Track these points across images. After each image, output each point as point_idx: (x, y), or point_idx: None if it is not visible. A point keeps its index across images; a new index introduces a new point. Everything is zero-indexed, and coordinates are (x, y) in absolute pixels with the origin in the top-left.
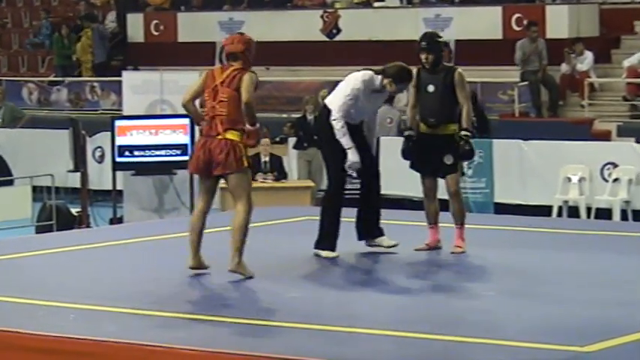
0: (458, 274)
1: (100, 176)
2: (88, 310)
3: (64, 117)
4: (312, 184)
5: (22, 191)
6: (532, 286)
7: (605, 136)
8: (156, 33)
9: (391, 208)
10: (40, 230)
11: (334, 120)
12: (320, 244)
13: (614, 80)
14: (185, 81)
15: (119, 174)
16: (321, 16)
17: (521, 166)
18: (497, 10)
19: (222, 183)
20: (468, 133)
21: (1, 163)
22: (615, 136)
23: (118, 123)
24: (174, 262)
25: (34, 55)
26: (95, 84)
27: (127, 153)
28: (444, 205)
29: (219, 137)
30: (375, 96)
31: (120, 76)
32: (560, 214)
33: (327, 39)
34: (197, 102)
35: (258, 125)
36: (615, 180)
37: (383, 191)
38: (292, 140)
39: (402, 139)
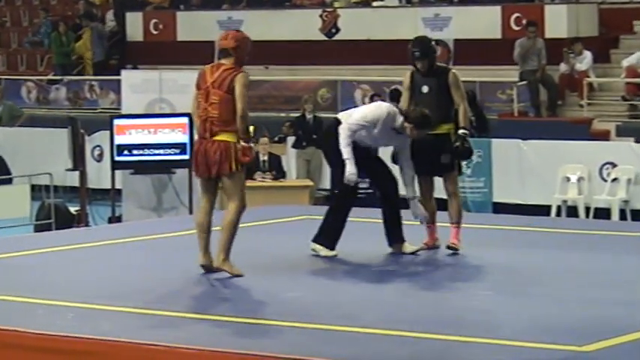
0: (456, 274)
1: (99, 175)
2: (86, 309)
3: (62, 116)
4: (310, 183)
5: (20, 190)
6: (531, 286)
7: (604, 136)
8: (155, 32)
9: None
10: (38, 229)
11: (342, 129)
12: (318, 239)
13: (613, 80)
14: (184, 80)
15: (118, 173)
16: (320, 16)
17: (520, 166)
18: (496, 10)
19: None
20: (466, 132)
21: (0, 162)
22: (614, 136)
23: (117, 122)
24: (172, 261)
25: (32, 54)
26: (94, 83)
27: (125, 152)
28: (441, 205)
29: (213, 139)
30: (393, 134)
31: (119, 75)
32: (558, 214)
33: (326, 38)
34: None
35: (251, 144)
36: (614, 180)
37: None
38: (291, 139)
39: None
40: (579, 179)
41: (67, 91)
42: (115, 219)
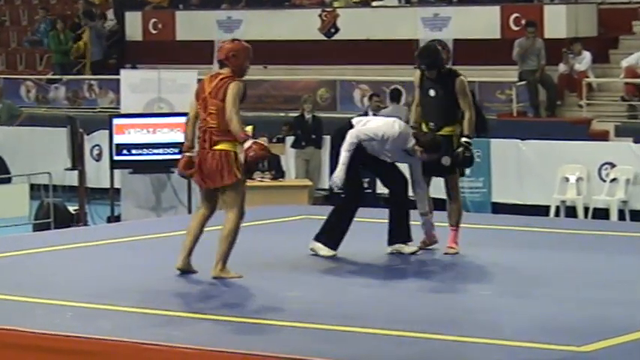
0: (455, 274)
1: (98, 174)
2: (85, 309)
3: (61, 115)
4: (309, 183)
5: (19, 189)
6: (529, 286)
7: (602, 136)
8: (154, 31)
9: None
10: (37, 228)
11: (350, 134)
12: (320, 238)
13: (612, 80)
14: (183, 79)
15: (117, 172)
16: (320, 15)
17: (519, 166)
18: (495, 10)
19: None
20: (470, 140)
21: None
22: (613, 136)
23: (116, 121)
24: (171, 260)
25: (32, 53)
26: (93, 82)
27: (124, 151)
28: (441, 205)
29: (213, 149)
30: (404, 154)
31: (118, 74)
32: (557, 214)
33: (326, 38)
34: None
35: (250, 144)
36: (613, 180)
37: (380, 190)
38: (290, 139)
39: None
40: (578, 179)
41: (66, 90)
42: (113, 218)
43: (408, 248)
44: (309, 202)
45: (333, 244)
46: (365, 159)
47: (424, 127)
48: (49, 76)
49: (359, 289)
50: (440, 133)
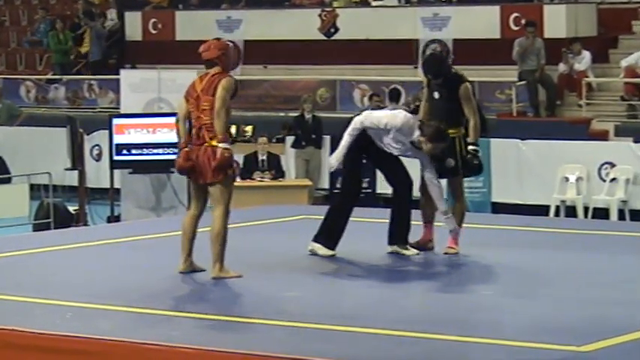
0: (455, 274)
1: (98, 174)
2: (85, 308)
3: (61, 115)
4: (309, 182)
5: (19, 189)
6: (529, 286)
7: (602, 136)
8: (154, 31)
9: (389, 207)
10: (37, 228)
11: (354, 120)
12: (318, 238)
13: (612, 80)
14: (183, 79)
15: (117, 172)
16: (319, 15)
17: (519, 166)
18: (495, 10)
19: None
20: (477, 148)
21: None
22: (613, 136)
23: (116, 121)
24: (171, 260)
25: (31, 53)
26: (93, 82)
27: (124, 151)
28: None
29: (205, 145)
30: (410, 146)
31: (118, 74)
32: (557, 214)
33: (325, 38)
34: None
35: (228, 146)
36: (613, 180)
37: (380, 190)
38: (290, 139)
39: None
40: (578, 179)
41: (66, 90)
42: (113, 218)
43: (407, 251)
44: (309, 202)
45: (332, 244)
46: (372, 152)
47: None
48: (49, 76)
49: (359, 289)
50: None
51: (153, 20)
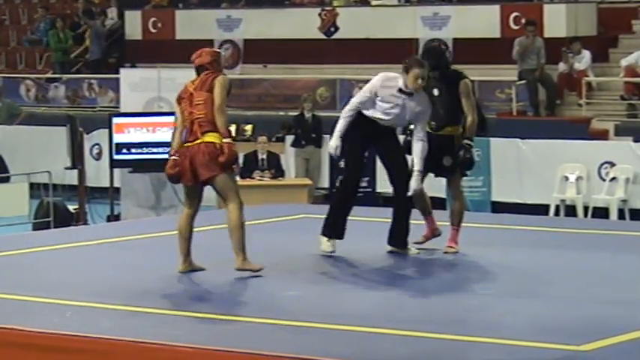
0: (455, 273)
1: (98, 173)
2: (84, 307)
3: (61, 114)
4: (309, 181)
5: (19, 188)
6: (529, 285)
7: (602, 136)
8: (154, 30)
9: (388, 206)
10: (37, 227)
11: (346, 106)
12: (324, 231)
13: (612, 79)
14: (183, 78)
15: (116, 171)
16: (319, 14)
17: (519, 165)
18: (495, 9)
19: None
20: (471, 143)
21: None
22: (613, 136)
23: (116, 120)
24: (171, 259)
25: (31, 52)
26: (93, 81)
27: (124, 150)
28: (441, 205)
29: (199, 141)
30: (401, 100)
31: (117, 73)
32: (557, 213)
33: (325, 37)
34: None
35: (231, 140)
36: (612, 179)
37: (381, 189)
38: (290, 138)
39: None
40: (578, 178)
41: (65, 89)
42: (113, 217)
43: (410, 251)
44: (309, 200)
45: (329, 234)
46: (378, 143)
47: (427, 127)
48: (49, 75)
49: (359, 288)
50: (441, 133)
51: (153, 19)
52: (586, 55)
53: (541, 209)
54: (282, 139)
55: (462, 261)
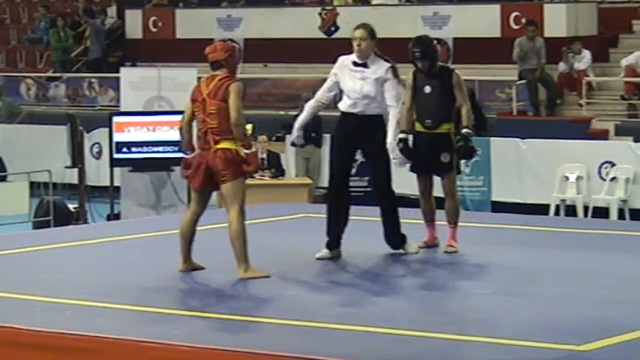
0: (455, 273)
1: (98, 172)
2: (84, 306)
3: (61, 113)
4: (309, 181)
5: (19, 187)
6: (529, 285)
7: (602, 135)
8: (154, 29)
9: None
10: (37, 226)
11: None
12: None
13: (612, 79)
14: (183, 78)
15: (116, 170)
16: (320, 14)
17: (519, 165)
18: (495, 9)
19: None
20: (470, 132)
21: None
22: (613, 135)
23: (116, 119)
24: (170, 258)
25: (32, 51)
26: (93, 80)
27: (124, 149)
28: (439, 204)
29: (214, 149)
30: (359, 71)
31: (118, 72)
32: (557, 213)
33: (325, 36)
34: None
35: (254, 149)
36: (613, 179)
37: None
38: (290, 137)
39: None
40: (578, 178)
41: (66, 88)
42: (113, 216)
43: (409, 248)
44: (309, 200)
45: (328, 243)
46: (357, 134)
47: (418, 126)
48: (49, 74)
49: (358, 288)
50: (437, 131)
51: (153, 18)
52: (586, 54)
53: (541, 209)
54: (282, 139)
55: (462, 261)
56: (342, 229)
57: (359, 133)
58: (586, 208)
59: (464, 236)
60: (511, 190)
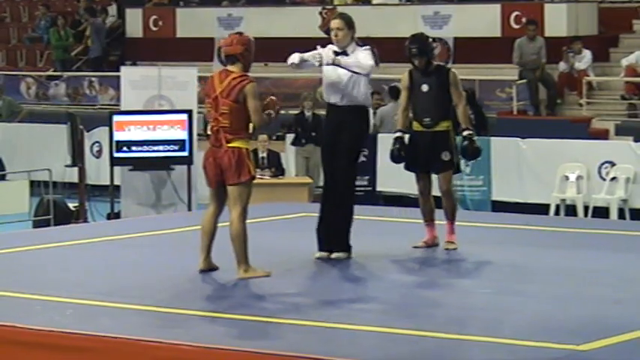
0: (455, 272)
1: (98, 171)
2: (85, 305)
3: (62, 112)
4: (309, 180)
5: (19, 186)
6: (529, 284)
7: (603, 135)
8: (154, 28)
9: (389, 205)
10: (37, 225)
11: None
12: None
13: (613, 79)
14: (183, 76)
15: (117, 169)
16: (320, 13)
17: (519, 164)
18: (495, 8)
19: None
20: (472, 132)
21: None
22: (613, 135)
23: (116, 118)
24: (171, 257)
25: (32, 50)
26: (93, 79)
27: (124, 148)
28: (439, 203)
29: (225, 147)
30: (339, 59)
31: (118, 71)
32: (557, 213)
33: (326, 35)
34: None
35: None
36: (613, 179)
37: (381, 188)
38: (290, 136)
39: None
40: (578, 178)
41: (66, 87)
42: (113, 215)
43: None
44: (309, 199)
45: (319, 245)
46: (337, 129)
47: (416, 125)
48: (50, 73)
49: (358, 287)
50: (436, 129)
51: (153, 17)
52: (587, 54)
53: (541, 209)
54: (282, 138)
55: (462, 260)
56: (331, 230)
57: (340, 127)
58: (586, 208)
59: (464, 236)
60: (511, 190)
